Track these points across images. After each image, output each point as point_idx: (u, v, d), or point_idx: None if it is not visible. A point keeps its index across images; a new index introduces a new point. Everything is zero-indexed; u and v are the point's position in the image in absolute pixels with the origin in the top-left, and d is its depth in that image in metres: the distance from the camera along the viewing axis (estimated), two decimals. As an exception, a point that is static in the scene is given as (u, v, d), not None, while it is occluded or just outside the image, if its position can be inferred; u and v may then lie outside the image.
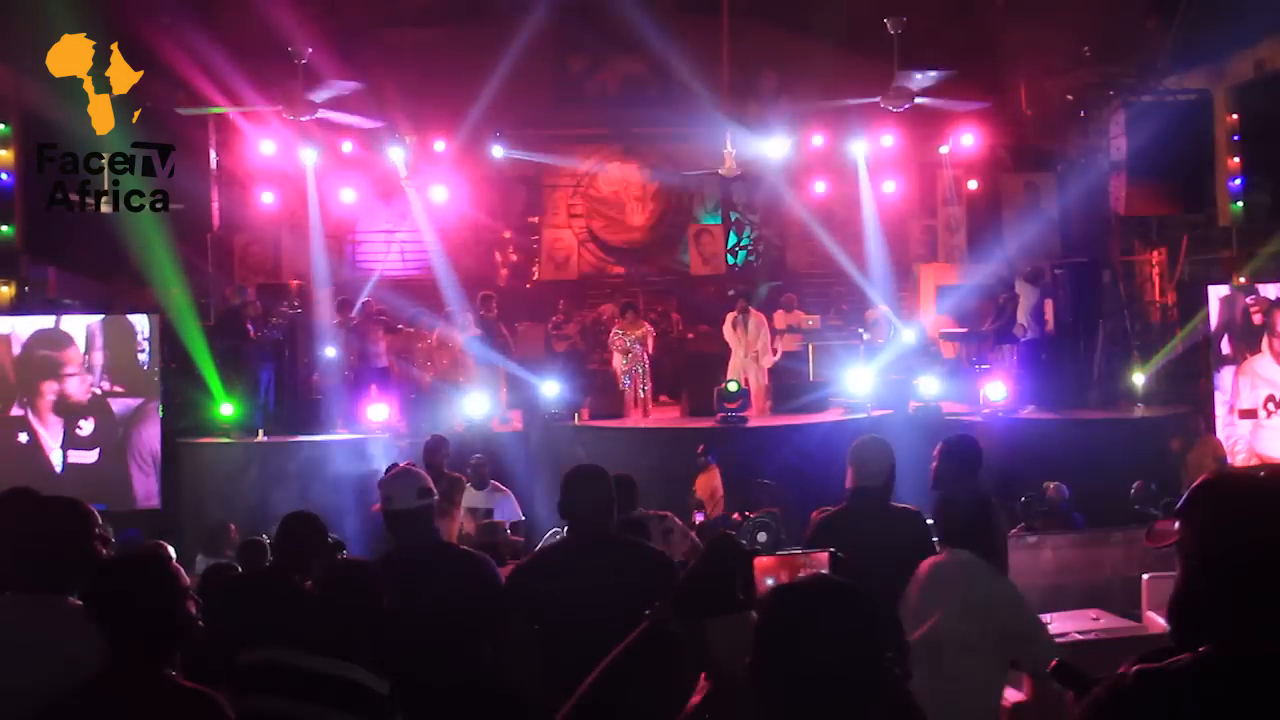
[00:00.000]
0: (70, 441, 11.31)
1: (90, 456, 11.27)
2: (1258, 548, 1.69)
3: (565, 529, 4.11)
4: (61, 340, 11.38)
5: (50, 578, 2.95)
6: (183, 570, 2.70)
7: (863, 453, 4.39)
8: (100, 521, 3.22)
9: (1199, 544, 1.75)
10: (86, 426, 11.32)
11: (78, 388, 11.34)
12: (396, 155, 14.56)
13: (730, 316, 12.91)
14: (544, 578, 3.75)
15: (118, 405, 11.38)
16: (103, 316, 11.63)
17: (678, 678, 2.66)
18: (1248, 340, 11.77)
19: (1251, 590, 1.68)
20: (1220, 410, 11.59)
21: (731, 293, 14.08)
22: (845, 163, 15.56)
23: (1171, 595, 1.79)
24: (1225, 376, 11.73)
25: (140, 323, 11.52)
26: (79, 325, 11.47)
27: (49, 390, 11.30)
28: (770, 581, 2.14)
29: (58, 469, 11.20)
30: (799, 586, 1.83)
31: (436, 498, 4.04)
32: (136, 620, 2.54)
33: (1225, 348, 11.84)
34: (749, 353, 12.75)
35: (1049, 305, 13.30)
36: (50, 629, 2.84)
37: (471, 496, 9.32)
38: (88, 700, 2.50)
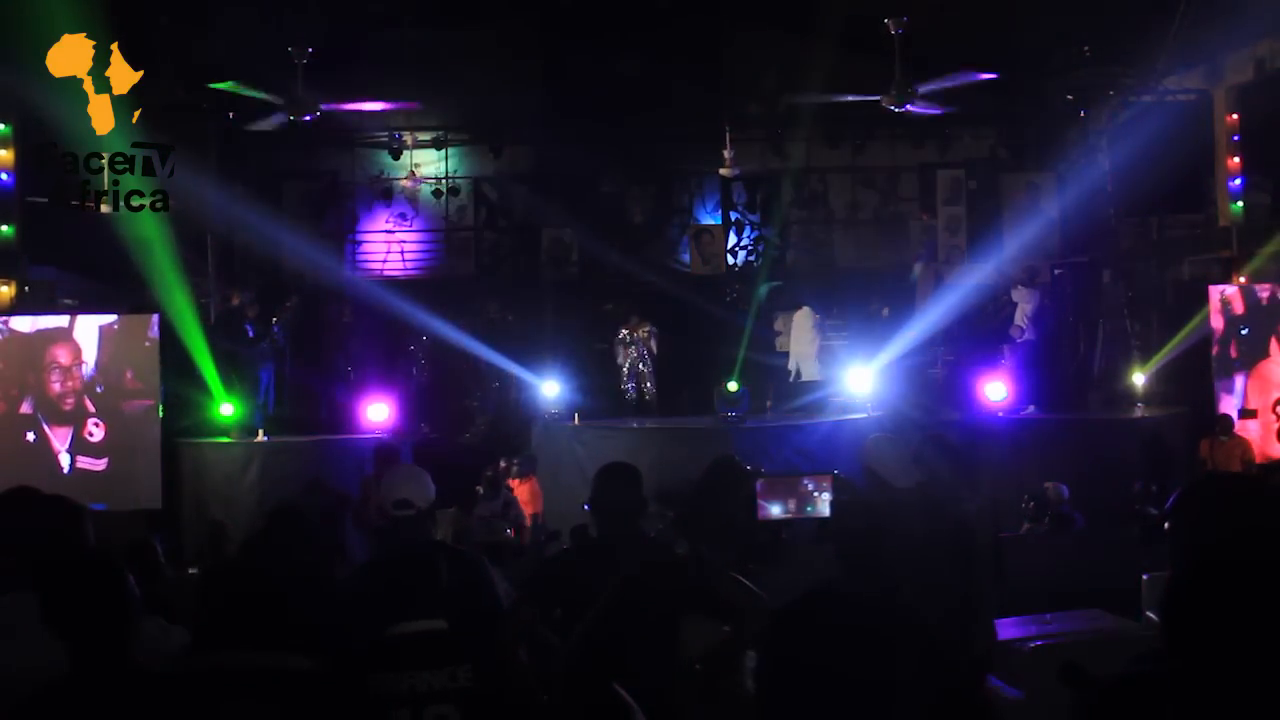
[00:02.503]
0: (79, 446, 11.25)
1: (99, 464, 11.23)
2: (1242, 552, 1.69)
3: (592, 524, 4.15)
4: (71, 341, 11.37)
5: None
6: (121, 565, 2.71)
7: (876, 451, 4.36)
8: (91, 521, 3.23)
9: (1186, 546, 1.75)
10: (97, 433, 11.27)
11: (85, 390, 11.32)
12: (397, 155, 14.55)
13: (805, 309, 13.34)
14: (572, 572, 3.78)
15: (125, 406, 11.39)
16: (115, 316, 11.64)
17: (682, 595, 2.69)
18: (1254, 345, 11.79)
19: (1235, 595, 1.69)
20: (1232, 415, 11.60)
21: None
22: (845, 163, 15.57)
23: (1161, 595, 1.80)
24: (1235, 382, 11.78)
25: (148, 323, 11.53)
26: (89, 326, 11.48)
27: (57, 391, 11.30)
28: (774, 509, 2.16)
29: (65, 470, 11.13)
30: (799, 614, 1.77)
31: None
32: (82, 618, 2.56)
33: (1232, 352, 11.87)
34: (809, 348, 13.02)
35: (1048, 306, 13.31)
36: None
37: (485, 507, 9.43)
38: (60, 697, 2.52)
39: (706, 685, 2.85)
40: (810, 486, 2.07)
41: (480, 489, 9.58)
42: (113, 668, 2.56)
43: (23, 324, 11.43)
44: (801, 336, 13.46)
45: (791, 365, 13.49)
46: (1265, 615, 1.67)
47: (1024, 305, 12.87)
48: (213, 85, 11.85)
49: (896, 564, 2.67)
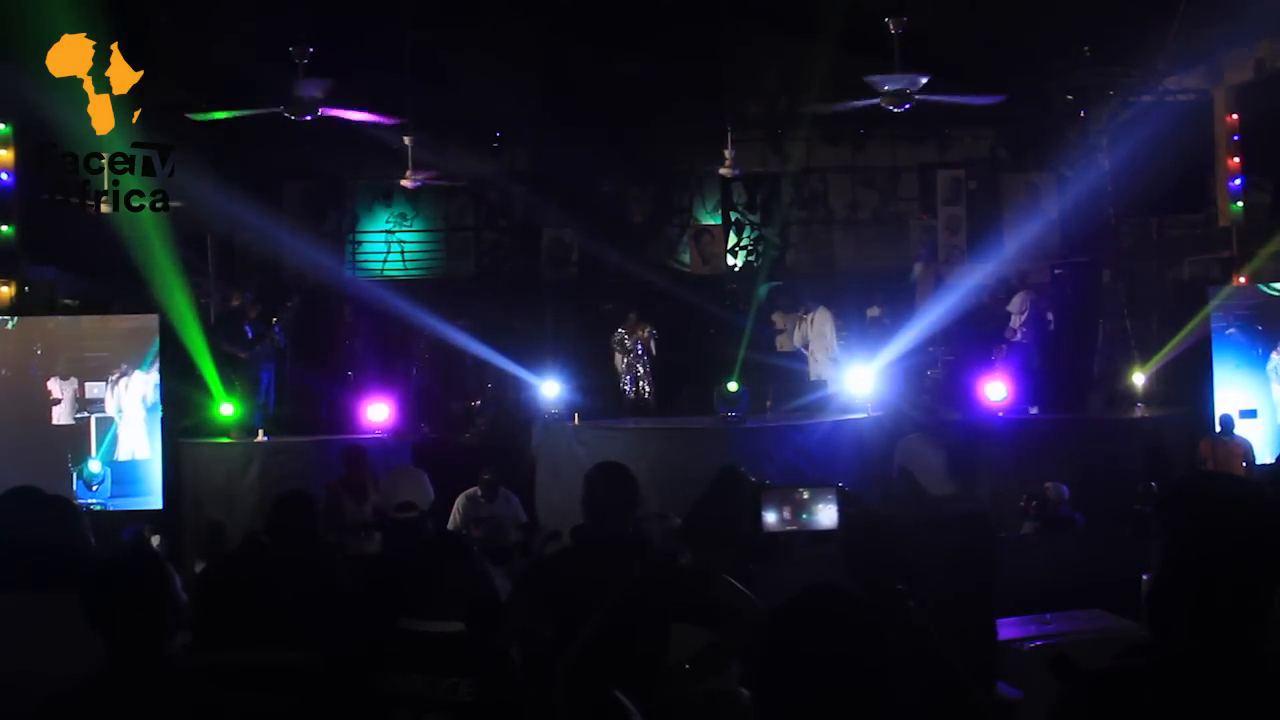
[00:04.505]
0: (78, 445, 11.26)
1: (99, 465, 11.29)
2: (1223, 552, 1.73)
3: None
4: (71, 341, 11.43)
5: (42, 576, 2.97)
6: (170, 567, 2.75)
7: (914, 454, 4.20)
8: (89, 521, 3.25)
9: (1172, 543, 1.80)
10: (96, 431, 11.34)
11: (84, 390, 11.36)
12: (396, 154, 14.50)
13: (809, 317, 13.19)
14: (562, 570, 3.78)
15: (125, 405, 11.41)
16: (114, 316, 11.66)
17: (677, 600, 2.69)
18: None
19: (1211, 592, 1.72)
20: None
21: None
22: (844, 163, 15.58)
23: (1146, 590, 1.84)
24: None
25: (147, 323, 11.55)
26: (89, 326, 11.49)
27: (56, 392, 11.33)
28: (772, 517, 2.16)
29: (63, 468, 11.17)
30: (797, 613, 1.79)
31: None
32: (130, 616, 2.58)
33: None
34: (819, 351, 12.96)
35: (1045, 306, 13.30)
36: (46, 627, 2.85)
37: (484, 508, 9.43)
38: (91, 694, 2.53)
39: (693, 688, 2.87)
40: (808, 496, 2.07)
41: (479, 490, 9.55)
42: (149, 666, 2.58)
43: (22, 324, 11.43)
44: (821, 338, 13.26)
45: (817, 370, 13.14)
46: (1241, 608, 1.70)
47: (1018, 314, 12.88)
48: (205, 116, 11.85)
49: (928, 576, 2.66)
